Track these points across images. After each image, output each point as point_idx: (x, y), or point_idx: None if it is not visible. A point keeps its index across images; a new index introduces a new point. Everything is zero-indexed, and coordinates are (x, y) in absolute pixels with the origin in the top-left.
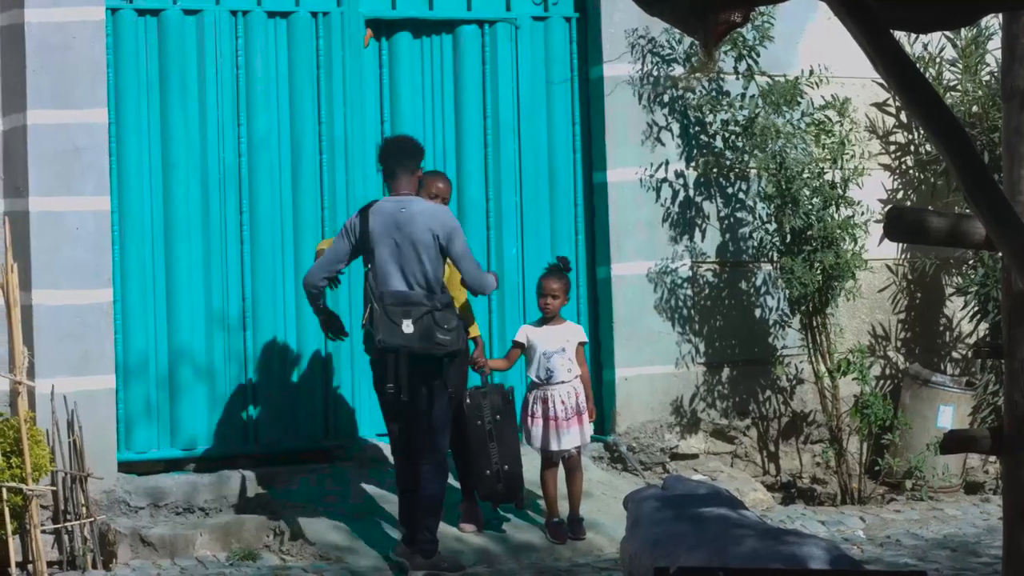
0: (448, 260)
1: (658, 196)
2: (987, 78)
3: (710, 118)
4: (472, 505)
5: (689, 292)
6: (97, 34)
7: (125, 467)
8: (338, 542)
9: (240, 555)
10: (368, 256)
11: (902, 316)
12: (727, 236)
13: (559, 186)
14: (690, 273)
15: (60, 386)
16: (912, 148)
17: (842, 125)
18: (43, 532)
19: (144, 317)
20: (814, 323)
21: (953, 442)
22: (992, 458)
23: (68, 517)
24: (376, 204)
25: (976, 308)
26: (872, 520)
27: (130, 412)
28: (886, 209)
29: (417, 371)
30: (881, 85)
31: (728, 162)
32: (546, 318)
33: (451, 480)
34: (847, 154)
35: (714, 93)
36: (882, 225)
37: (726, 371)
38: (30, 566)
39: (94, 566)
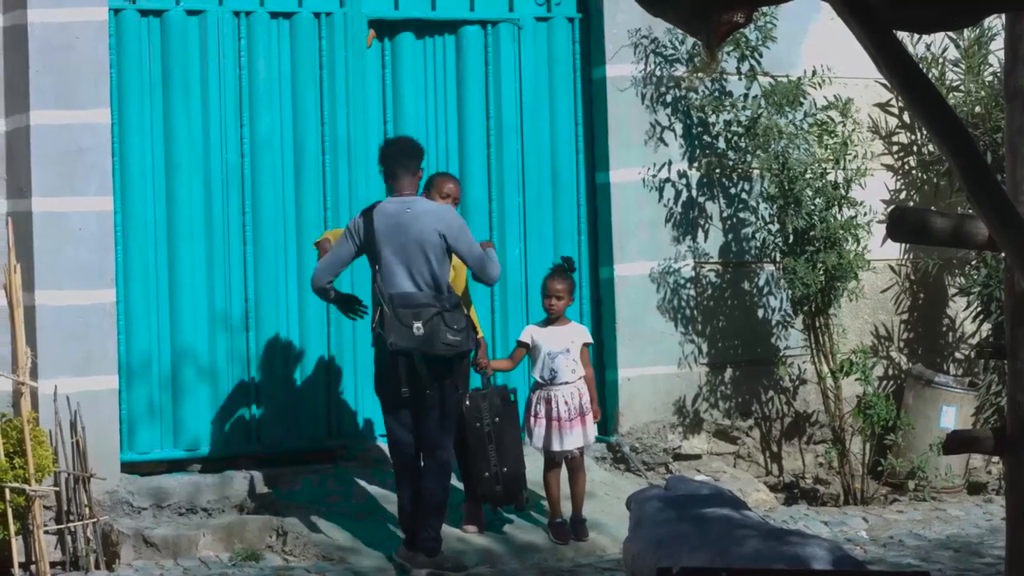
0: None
1: (661, 196)
2: (990, 78)
3: (713, 118)
4: (475, 506)
5: (692, 292)
6: (100, 34)
7: (128, 467)
8: (341, 542)
9: (243, 555)
10: (374, 257)
11: (905, 317)
12: (730, 236)
13: (562, 186)
14: (693, 273)
15: (63, 387)
16: (915, 148)
17: (845, 125)
18: (46, 533)
19: (147, 317)
20: (817, 323)
21: (956, 443)
22: (995, 459)
23: (71, 518)
24: (379, 205)
25: (979, 309)
26: (875, 520)
27: (133, 412)
28: (889, 209)
29: (427, 372)
30: (884, 85)
31: (731, 162)
32: (551, 319)
33: (454, 481)
34: (850, 154)
35: (717, 93)
36: (885, 225)
37: (729, 371)
38: (33, 567)
39: (97, 567)
